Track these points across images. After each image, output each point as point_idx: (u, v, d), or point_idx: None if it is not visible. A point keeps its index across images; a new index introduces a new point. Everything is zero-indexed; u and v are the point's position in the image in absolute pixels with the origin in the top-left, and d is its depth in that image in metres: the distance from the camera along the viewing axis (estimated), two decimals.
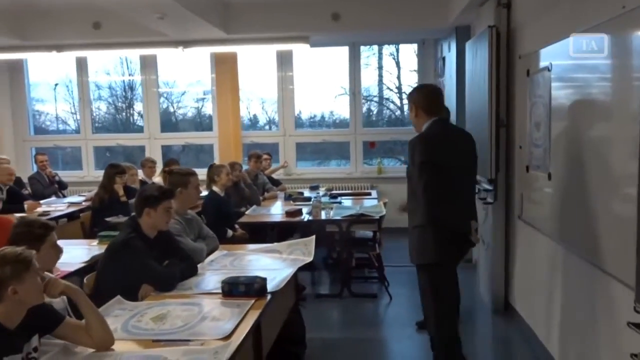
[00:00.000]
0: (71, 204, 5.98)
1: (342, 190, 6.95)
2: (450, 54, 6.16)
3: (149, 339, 2.00)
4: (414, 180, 2.68)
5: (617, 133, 2.29)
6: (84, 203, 5.73)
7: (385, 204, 5.04)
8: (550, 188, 3.07)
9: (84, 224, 4.96)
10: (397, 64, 8.01)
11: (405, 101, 7.82)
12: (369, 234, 4.99)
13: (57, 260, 2.28)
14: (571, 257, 2.86)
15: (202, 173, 5.74)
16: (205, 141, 8.04)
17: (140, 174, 6.13)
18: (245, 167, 6.12)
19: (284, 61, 7.74)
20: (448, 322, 2.88)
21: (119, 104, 8.54)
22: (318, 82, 7.82)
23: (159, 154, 7.95)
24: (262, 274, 2.63)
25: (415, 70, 7.76)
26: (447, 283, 2.87)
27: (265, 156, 6.55)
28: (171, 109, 8.36)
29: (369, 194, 6.25)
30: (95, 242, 3.73)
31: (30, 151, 8.14)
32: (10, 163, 6.82)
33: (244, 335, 2.03)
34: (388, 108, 8.06)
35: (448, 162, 2.68)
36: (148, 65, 8.04)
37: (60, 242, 3.84)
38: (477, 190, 4.60)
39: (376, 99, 8.11)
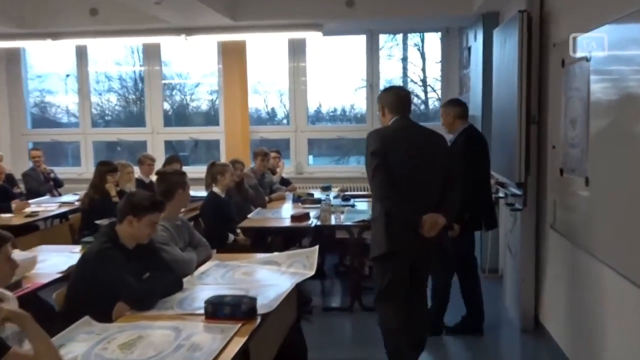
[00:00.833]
0: (63, 203, 5.91)
1: (358, 191, 6.90)
2: (476, 43, 5.99)
3: None
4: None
5: None
6: (76, 203, 5.62)
7: None
8: (588, 194, 2.97)
9: (73, 226, 4.87)
10: (422, 55, 7.87)
11: (430, 95, 7.88)
12: None
13: (11, 276, 2.06)
14: (609, 274, 2.75)
15: (196, 172, 5.34)
16: (211, 136, 7.99)
17: (137, 172, 6.05)
18: (251, 165, 6.15)
19: (296, 51, 7.62)
20: (392, 338, 3.12)
21: (130, 96, 8.53)
22: (334, 73, 7.72)
23: (162, 150, 7.85)
24: (255, 290, 2.53)
25: (439, 62, 7.58)
26: (395, 275, 3.02)
27: (273, 154, 6.45)
28: (185, 102, 8.35)
29: None
30: (78, 248, 3.56)
31: (28, 146, 8.10)
32: (5, 159, 6.78)
33: None
34: (412, 103, 7.94)
35: (398, 156, 2.93)
36: (151, 55, 7.95)
37: (42, 248, 3.79)
38: (503, 195, 4.41)
39: None
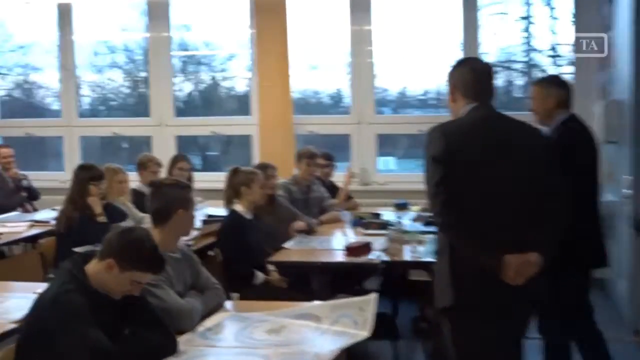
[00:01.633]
0: (37, 222, 6.01)
1: None
2: None
3: None
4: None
5: None
6: (53, 222, 5.70)
7: None
8: None
9: (45, 255, 4.92)
10: (551, 11, 7.80)
11: (561, 68, 7.87)
12: None
13: None
14: None
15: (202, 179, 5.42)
16: (238, 130, 8.14)
17: (135, 181, 6.15)
18: (293, 172, 6.29)
19: (358, 9, 7.67)
20: None
21: (140, 74, 8.76)
22: (414, 39, 7.78)
23: (171, 148, 8.02)
24: (281, 358, 2.57)
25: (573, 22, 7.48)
26: (473, 341, 2.99)
27: (320, 160, 6.46)
28: (215, 81, 8.64)
29: None
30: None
31: None
32: None
33: None
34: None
35: (472, 163, 2.92)
36: (157, 15, 8.11)
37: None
38: None
39: (519, 65, 7.98)
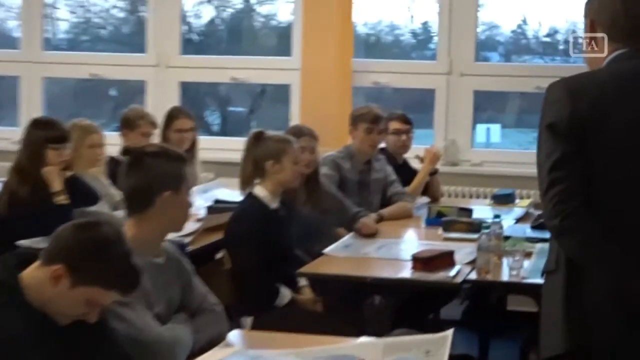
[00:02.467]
0: None
1: None
2: None
3: None
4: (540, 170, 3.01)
5: None
6: None
7: None
8: None
9: None
10: None
11: None
12: None
13: None
14: None
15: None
16: (274, 77, 8.28)
17: (117, 145, 6.24)
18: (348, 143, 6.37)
19: None
20: None
21: None
22: None
23: (175, 99, 8.10)
24: None
25: None
26: None
27: (395, 124, 6.66)
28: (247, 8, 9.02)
29: None
30: None
31: None
32: None
33: None
34: None
35: (617, 141, 2.89)
36: None
37: None
38: None
39: None
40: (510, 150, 8.06)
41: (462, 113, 7.80)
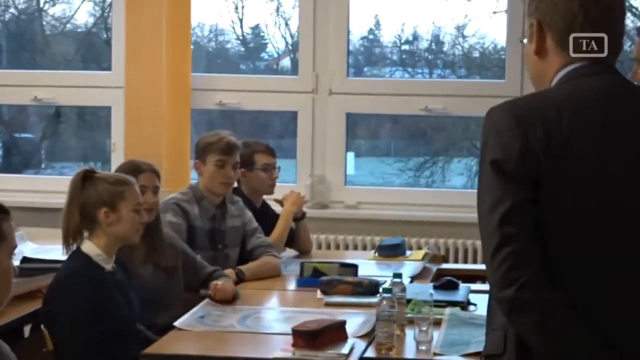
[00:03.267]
0: None
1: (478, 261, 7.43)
2: None
3: None
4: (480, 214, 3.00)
5: None
6: None
7: None
8: None
9: None
10: None
11: None
12: None
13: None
14: None
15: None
16: (90, 99, 8.50)
17: None
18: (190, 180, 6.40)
19: None
20: None
21: None
22: None
23: None
24: None
25: None
26: None
27: (263, 157, 6.76)
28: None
29: None
30: None
31: None
32: None
33: None
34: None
35: (586, 181, 2.88)
36: None
37: None
38: None
39: None
40: (393, 188, 8.26)
41: (332, 141, 7.89)
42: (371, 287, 5.43)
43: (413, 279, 5.94)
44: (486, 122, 2.93)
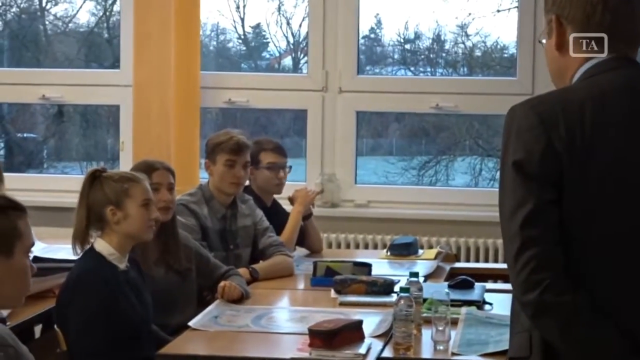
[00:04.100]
0: None
1: (493, 260, 7.46)
2: None
3: None
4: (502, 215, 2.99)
5: None
6: None
7: None
8: None
9: None
10: None
11: None
12: None
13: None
14: None
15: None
16: (97, 98, 8.46)
17: None
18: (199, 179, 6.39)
19: None
20: None
21: None
22: None
23: None
24: None
25: None
26: None
27: (269, 156, 6.75)
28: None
29: None
30: None
31: None
32: None
33: None
34: None
35: (600, 184, 2.86)
36: None
37: None
38: None
39: None
40: (403, 186, 8.22)
41: (342, 139, 7.88)
42: (385, 287, 5.42)
43: (426, 278, 5.92)
44: (507, 121, 2.92)
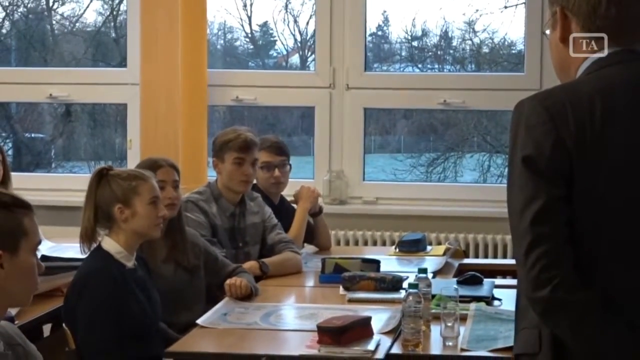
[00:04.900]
0: None
1: (502, 256, 7.45)
2: None
3: None
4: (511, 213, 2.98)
5: None
6: None
7: None
8: None
9: None
10: None
11: None
12: None
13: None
14: None
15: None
16: (102, 94, 8.46)
17: None
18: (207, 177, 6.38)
19: None
20: None
21: None
22: None
23: None
24: None
25: None
26: None
27: (263, 155, 6.66)
28: None
29: None
30: None
31: None
32: None
33: None
34: None
35: (623, 175, 2.85)
36: None
37: None
38: None
39: None
40: (412, 183, 8.23)
41: (350, 136, 7.89)
42: (394, 283, 5.42)
43: (435, 274, 5.89)
44: (515, 115, 2.91)
